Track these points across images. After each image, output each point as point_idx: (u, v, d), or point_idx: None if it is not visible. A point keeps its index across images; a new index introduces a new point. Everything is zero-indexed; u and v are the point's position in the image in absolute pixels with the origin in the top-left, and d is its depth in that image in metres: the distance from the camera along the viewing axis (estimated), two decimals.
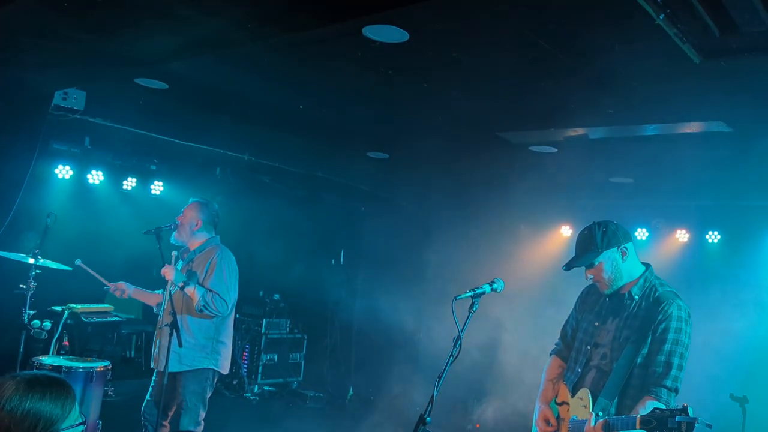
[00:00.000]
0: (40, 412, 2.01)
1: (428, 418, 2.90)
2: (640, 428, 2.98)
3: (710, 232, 7.28)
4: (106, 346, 7.78)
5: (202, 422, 4.75)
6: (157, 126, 6.80)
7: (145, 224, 4.87)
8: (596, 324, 3.55)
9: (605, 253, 3.40)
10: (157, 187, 7.92)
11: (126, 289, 4.96)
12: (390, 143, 6.85)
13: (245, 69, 4.93)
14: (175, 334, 4.40)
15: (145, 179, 7.85)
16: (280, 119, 6.24)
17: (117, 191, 7.72)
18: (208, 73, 5.13)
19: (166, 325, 4.50)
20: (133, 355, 8.44)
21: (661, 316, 3.29)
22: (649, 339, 3.29)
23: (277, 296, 9.28)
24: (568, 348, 3.76)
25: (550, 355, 3.88)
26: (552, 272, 7.22)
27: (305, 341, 9.43)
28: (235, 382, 8.71)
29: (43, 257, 5.03)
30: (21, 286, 4.97)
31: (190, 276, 4.73)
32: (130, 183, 7.76)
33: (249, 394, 8.64)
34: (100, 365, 4.89)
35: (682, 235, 7.44)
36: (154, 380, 4.81)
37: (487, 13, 3.55)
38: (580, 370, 3.53)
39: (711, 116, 4.84)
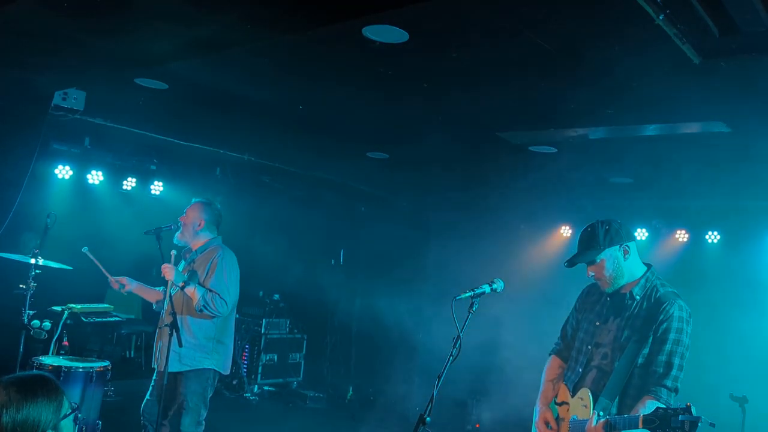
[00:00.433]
0: (39, 415, 2.04)
1: (428, 418, 2.90)
2: (643, 427, 2.99)
3: (710, 232, 7.29)
4: (105, 346, 7.78)
5: (203, 422, 4.75)
6: (157, 126, 6.80)
7: (145, 224, 4.86)
8: (597, 323, 3.55)
9: (607, 250, 3.41)
10: (156, 188, 7.92)
11: (127, 284, 4.95)
12: (390, 143, 6.84)
13: (245, 69, 4.93)
14: (175, 334, 4.40)
15: (144, 179, 7.85)
16: (280, 119, 6.23)
17: (117, 191, 7.72)
18: (208, 73, 5.13)
19: (166, 325, 4.50)
20: (132, 355, 8.45)
21: (662, 317, 3.29)
22: (651, 339, 3.29)
23: (276, 296, 9.28)
24: (568, 348, 3.77)
25: (550, 354, 3.88)
26: (551, 272, 7.23)
27: (305, 341, 9.43)
28: (234, 382, 8.71)
29: (43, 257, 5.03)
30: (21, 286, 4.97)
31: (191, 276, 4.73)
32: (129, 183, 7.76)
33: (249, 394, 8.64)
34: (99, 365, 4.90)
35: (682, 235, 7.45)
36: (155, 380, 4.81)
37: (487, 14, 3.55)
38: (580, 370, 3.53)
39: (710, 116, 4.84)
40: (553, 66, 4.16)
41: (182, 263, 4.94)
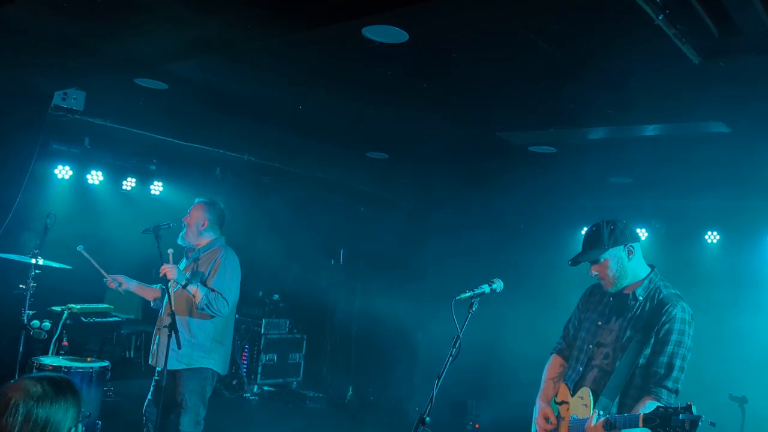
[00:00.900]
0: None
1: (428, 418, 2.90)
2: (643, 426, 2.99)
3: (710, 232, 7.29)
4: (105, 346, 7.78)
5: (203, 422, 4.75)
6: (157, 126, 6.80)
7: (144, 225, 4.85)
8: (599, 323, 3.56)
9: (611, 250, 3.42)
10: (156, 188, 7.92)
11: (124, 282, 4.95)
12: (390, 143, 6.85)
13: (245, 69, 4.93)
14: (173, 335, 4.39)
15: (144, 179, 7.85)
16: (280, 119, 6.24)
17: (117, 191, 7.72)
18: (207, 74, 5.13)
19: (165, 326, 4.50)
20: (132, 356, 8.44)
21: (664, 318, 3.30)
22: (652, 340, 3.30)
23: (276, 296, 9.28)
24: (569, 347, 3.77)
25: (551, 353, 3.89)
26: (551, 272, 7.22)
27: (305, 341, 9.43)
28: (234, 383, 8.71)
29: (43, 257, 5.03)
30: (20, 286, 4.97)
31: (194, 275, 4.73)
32: (129, 183, 7.76)
33: (248, 395, 8.64)
34: (99, 365, 4.89)
35: (681, 235, 7.44)
36: (155, 379, 4.80)
37: (487, 14, 3.55)
38: (581, 369, 3.53)
39: (710, 116, 4.84)
40: (553, 66, 4.17)
41: (183, 261, 4.94)
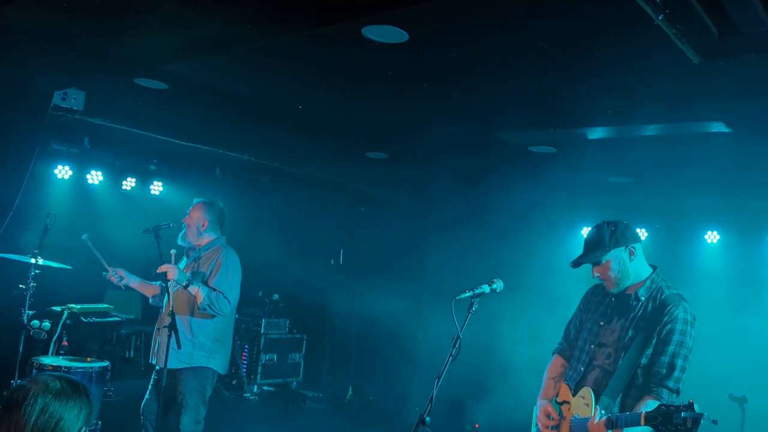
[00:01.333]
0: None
1: (427, 418, 2.90)
2: (645, 425, 2.99)
3: (709, 232, 7.29)
4: (105, 346, 7.77)
5: (203, 421, 4.75)
6: (157, 126, 6.79)
7: (144, 225, 4.85)
8: (601, 323, 3.56)
9: (613, 251, 3.42)
10: (156, 188, 7.92)
11: (125, 277, 4.94)
12: (390, 143, 6.85)
13: (245, 69, 4.93)
14: (174, 335, 4.39)
15: (144, 179, 7.85)
16: (280, 119, 6.24)
17: (116, 191, 7.72)
18: (207, 73, 5.13)
19: (165, 326, 4.50)
20: (132, 355, 8.44)
21: (666, 318, 3.30)
22: (654, 340, 3.30)
23: (276, 296, 9.28)
24: (570, 347, 3.77)
25: (553, 353, 3.89)
26: (551, 272, 7.22)
27: (304, 341, 9.43)
28: (234, 382, 8.71)
29: (43, 257, 5.03)
30: (20, 286, 4.97)
31: (194, 275, 4.73)
32: (129, 183, 7.76)
33: (248, 394, 8.64)
34: (99, 365, 4.90)
35: (681, 235, 7.44)
36: (154, 378, 4.80)
37: (487, 14, 3.56)
38: (582, 369, 3.53)
39: (710, 116, 4.84)
40: (553, 66, 4.17)
41: (183, 260, 4.94)
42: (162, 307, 4.81)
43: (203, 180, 7.97)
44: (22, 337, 4.91)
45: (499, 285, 3.25)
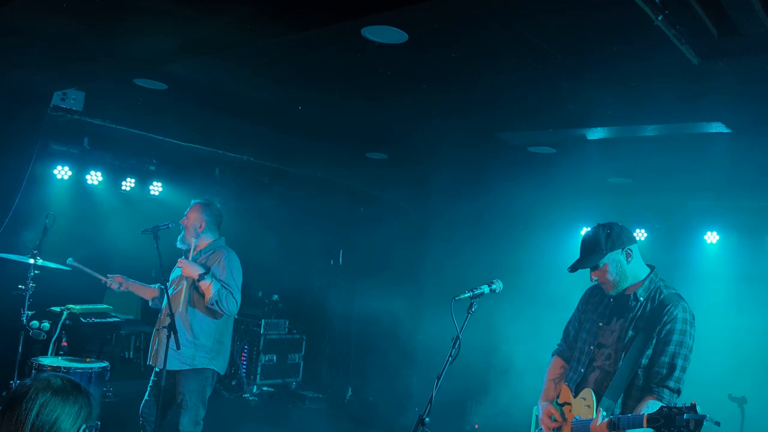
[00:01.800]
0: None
1: (427, 419, 2.90)
2: (647, 426, 2.98)
3: (709, 232, 7.29)
4: (104, 346, 7.77)
5: (202, 422, 4.75)
6: (156, 126, 6.79)
7: (143, 225, 4.85)
8: (600, 324, 3.56)
9: (610, 254, 3.41)
10: (156, 188, 7.92)
11: (123, 282, 4.95)
12: (389, 143, 6.85)
13: (244, 69, 4.93)
14: (173, 336, 4.39)
15: (144, 180, 7.85)
16: (280, 120, 6.24)
17: (116, 192, 7.72)
18: (207, 74, 5.13)
19: (164, 327, 4.49)
20: (131, 356, 8.45)
21: (666, 318, 3.30)
22: (654, 340, 3.30)
23: (275, 297, 9.28)
24: (570, 348, 3.77)
25: (553, 355, 3.89)
26: (551, 273, 7.22)
27: (304, 342, 9.43)
28: (233, 383, 8.71)
29: (42, 258, 5.02)
30: (20, 286, 4.97)
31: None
32: (128, 183, 7.76)
33: (248, 395, 8.64)
34: (98, 366, 4.89)
35: (681, 235, 7.44)
36: (153, 380, 4.80)
37: (486, 14, 3.55)
38: (582, 371, 3.53)
39: (710, 117, 4.84)
40: (553, 66, 4.17)
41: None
42: (161, 307, 4.81)
43: (203, 180, 7.97)
44: (22, 338, 4.91)
45: (498, 285, 3.25)
